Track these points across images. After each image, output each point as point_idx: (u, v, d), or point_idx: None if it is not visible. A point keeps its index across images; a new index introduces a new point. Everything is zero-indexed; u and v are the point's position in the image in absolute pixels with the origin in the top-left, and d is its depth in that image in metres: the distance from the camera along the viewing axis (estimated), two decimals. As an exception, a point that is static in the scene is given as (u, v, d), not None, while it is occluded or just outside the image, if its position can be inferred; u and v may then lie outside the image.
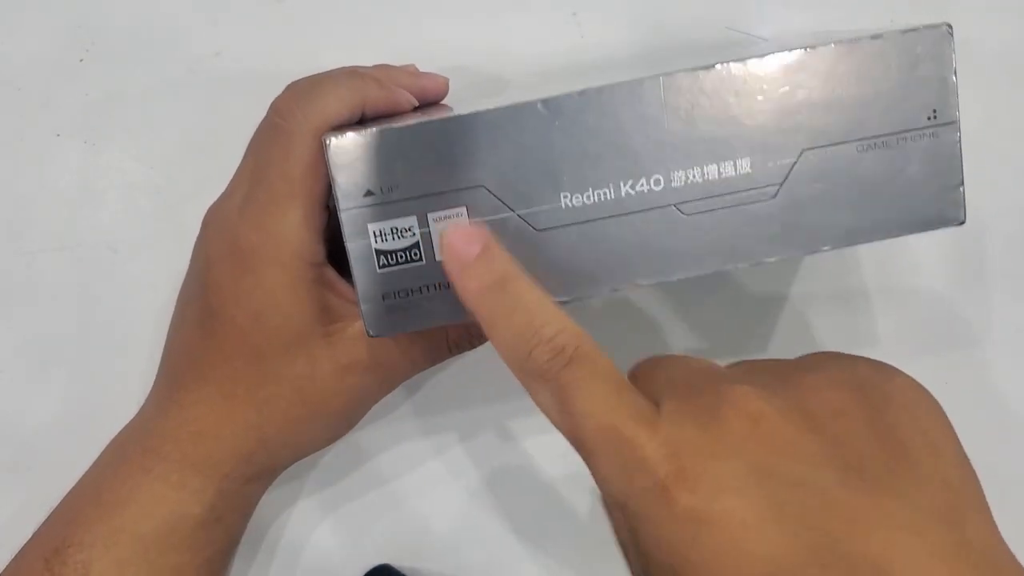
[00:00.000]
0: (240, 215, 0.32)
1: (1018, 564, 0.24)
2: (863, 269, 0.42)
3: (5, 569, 0.35)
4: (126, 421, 0.36)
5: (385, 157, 0.28)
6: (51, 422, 0.40)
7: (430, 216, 0.29)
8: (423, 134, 0.28)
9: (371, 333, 0.30)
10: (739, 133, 0.28)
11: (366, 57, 0.37)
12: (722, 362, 0.28)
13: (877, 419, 0.25)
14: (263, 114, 0.35)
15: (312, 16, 0.40)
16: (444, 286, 0.29)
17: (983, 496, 0.25)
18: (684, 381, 0.27)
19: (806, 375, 0.27)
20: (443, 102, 0.37)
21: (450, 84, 0.37)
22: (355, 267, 0.29)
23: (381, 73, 0.35)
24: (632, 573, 0.27)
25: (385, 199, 0.28)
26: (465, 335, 0.35)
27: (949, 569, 0.22)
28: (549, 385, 0.26)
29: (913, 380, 0.27)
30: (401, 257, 0.29)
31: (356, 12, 0.40)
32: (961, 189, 0.29)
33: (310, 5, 0.40)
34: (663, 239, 0.29)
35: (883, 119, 0.28)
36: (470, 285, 0.27)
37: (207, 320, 0.33)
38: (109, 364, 0.40)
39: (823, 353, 0.29)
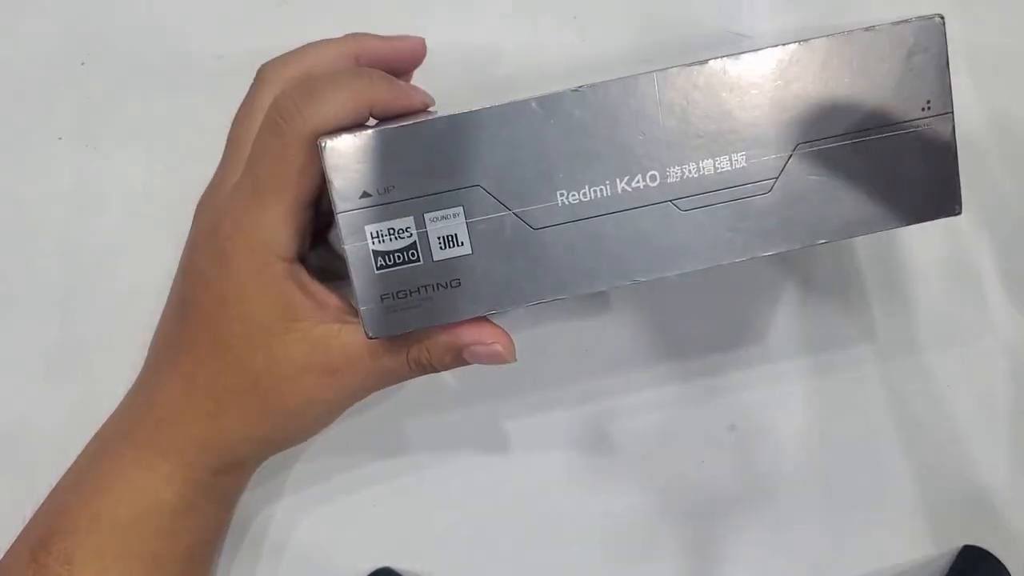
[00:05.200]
0: (225, 204, 0.33)
1: None
2: (860, 263, 0.42)
3: None
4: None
5: (381, 158, 0.28)
6: (52, 426, 0.40)
7: (427, 216, 0.29)
8: (418, 134, 0.28)
9: (370, 334, 0.30)
10: (734, 128, 0.28)
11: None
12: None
13: None
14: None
15: (313, 19, 0.40)
16: (442, 286, 0.29)
17: None
18: None
19: None
20: (442, 104, 0.37)
21: (451, 86, 0.36)
22: (353, 268, 0.29)
23: (378, 62, 0.34)
24: None
25: (382, 200, 0.29)
26: (424, 352, 0.33)
27: None
28: None
29: None
30: (399, 258, 0.29)
31: (357, 15, 0.40)
32: (957, 179, 0.29)
33: (311, 8, 0.40)
34: (660, 235, 0.29)
35: (878, 111, 0.28)
36: None
37: (181, 305, 0.34)
38: (109, 368, 0.40)
39: None
